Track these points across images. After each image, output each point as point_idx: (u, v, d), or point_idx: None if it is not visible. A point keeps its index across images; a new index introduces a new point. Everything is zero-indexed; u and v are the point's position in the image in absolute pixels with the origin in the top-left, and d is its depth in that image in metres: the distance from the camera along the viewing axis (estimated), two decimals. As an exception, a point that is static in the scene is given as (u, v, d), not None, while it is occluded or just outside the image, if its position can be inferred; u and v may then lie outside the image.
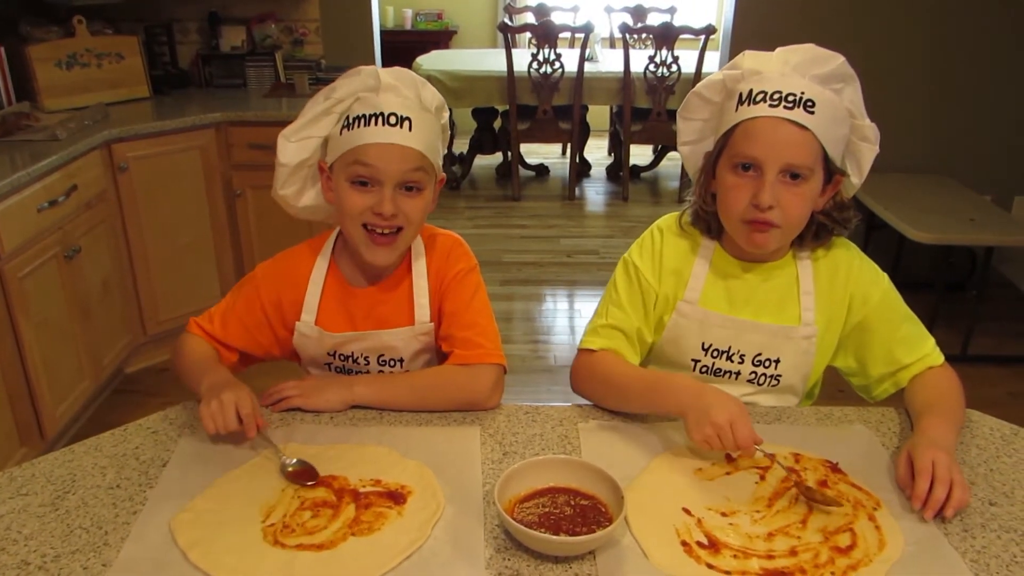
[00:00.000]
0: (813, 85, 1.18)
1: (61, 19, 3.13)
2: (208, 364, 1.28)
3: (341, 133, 1.24)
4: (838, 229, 1.30)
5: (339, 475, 1.10)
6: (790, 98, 1.16)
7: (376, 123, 1.21)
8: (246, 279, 1.38)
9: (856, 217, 1.31)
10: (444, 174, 1.35)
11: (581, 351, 1.35)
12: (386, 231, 1.25)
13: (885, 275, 1.34)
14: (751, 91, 1.19)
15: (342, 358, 1.36)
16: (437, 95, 1.29)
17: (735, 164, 1.22)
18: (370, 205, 1.23)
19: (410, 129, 1.22)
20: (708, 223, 1.33)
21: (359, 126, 1.22)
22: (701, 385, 1.18)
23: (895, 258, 3.65)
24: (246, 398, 1.16)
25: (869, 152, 1.25)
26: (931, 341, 1.31)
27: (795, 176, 1.19)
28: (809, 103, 1.16)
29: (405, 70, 1.27)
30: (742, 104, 1.20)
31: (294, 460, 1.11)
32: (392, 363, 1.36)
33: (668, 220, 1.39)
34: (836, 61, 1.19)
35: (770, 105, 1.17)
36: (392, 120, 1.21)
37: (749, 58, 1.23)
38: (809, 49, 1.20)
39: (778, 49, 1.22)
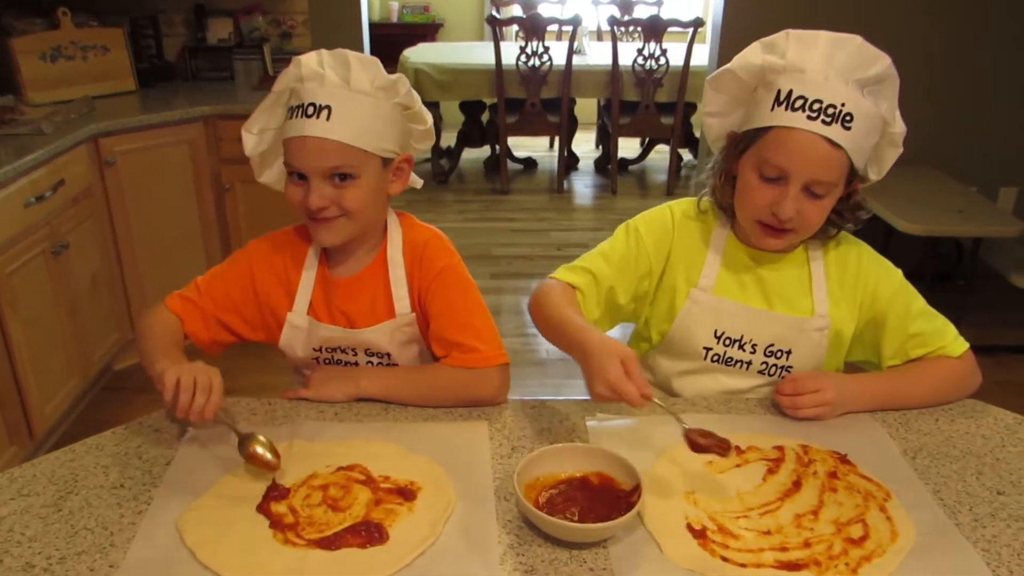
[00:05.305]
0: (854, 94, 1.14)
1: (45, 11, 3.08)
2: (171, 347, 1.25)
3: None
4: (847, 225, 1.30)
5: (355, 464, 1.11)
6: (830, 110, 1.12)
7: (296, 116, 1.19)
8: (238, 255, 1.37)
9: (868, 215, 1.30)
10: (406, 152, 1.29)
11: (548, 278, 1.33)
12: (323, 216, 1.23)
13: (898, 271, 1.33)
14: (791, 93, 1.15)
15: (329, 350, 1.34)
16: (376, 74, 1.21)
17: (761, 168, 1.20)
18: (302, 197, 1.22)
19: (328, 118, 1.17)
20: (723, 206, 1.32)
21: (289, 118, 1.21)
22: (589, 342, 1.11)
23: (883, 249, 3.63)
24: (218, 374, 1.13)
25: (893, 154, 1.24)
26: (950, 334, 1.30)
27: (818, 191, 1.18)
28: (848, 117, 1.12)
29: (341, 52, 1.22)
30: (779, 105, 1.16)
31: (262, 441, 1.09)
32: (380, 356, 1.34)
33: (683, 204, 1.38)
34: (883, 64, 1.15)
35: (808, 117, 1.13)
36: (309, 111, 1.18)
37: (793, 46, 1.17)
38: (857, 47, 1.15)
39: (824, 35, 1.16)
